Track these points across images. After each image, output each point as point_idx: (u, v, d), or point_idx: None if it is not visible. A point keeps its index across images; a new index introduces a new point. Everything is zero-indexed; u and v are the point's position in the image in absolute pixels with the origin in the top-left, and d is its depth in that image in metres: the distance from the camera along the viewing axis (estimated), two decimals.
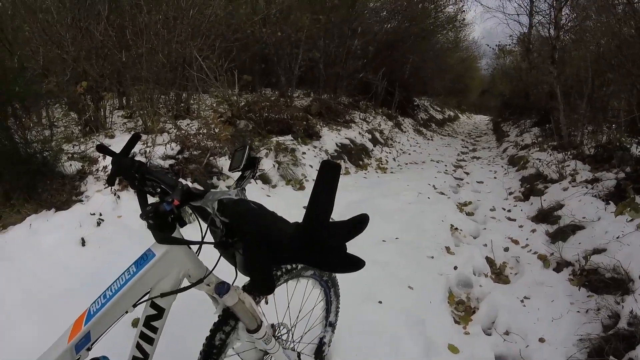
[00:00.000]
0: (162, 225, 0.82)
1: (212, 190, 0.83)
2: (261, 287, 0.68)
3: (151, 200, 0.92)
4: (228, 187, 2.83)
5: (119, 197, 2.70)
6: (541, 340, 1.94)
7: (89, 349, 0.83)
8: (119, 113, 4.61)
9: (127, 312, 0.85)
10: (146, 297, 0.87)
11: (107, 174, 2.92)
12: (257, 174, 0.92)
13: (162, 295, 0.87)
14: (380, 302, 2.11)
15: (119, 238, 2.38)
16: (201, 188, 0.87)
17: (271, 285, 0.67)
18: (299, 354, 1.28)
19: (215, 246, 0.82)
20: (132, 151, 1.06)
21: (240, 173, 0.93)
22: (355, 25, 7.68)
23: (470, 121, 18.62)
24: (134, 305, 0.85)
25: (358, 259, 0.58)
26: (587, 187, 3.63)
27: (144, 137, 3.57)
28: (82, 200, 2.66)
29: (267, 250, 0.63)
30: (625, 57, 4.58)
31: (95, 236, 2.39)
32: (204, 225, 0.83)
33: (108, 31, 3.96)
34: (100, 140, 3.49)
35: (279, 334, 1.17)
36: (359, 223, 0.57)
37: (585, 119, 5.59)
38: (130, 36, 4.15)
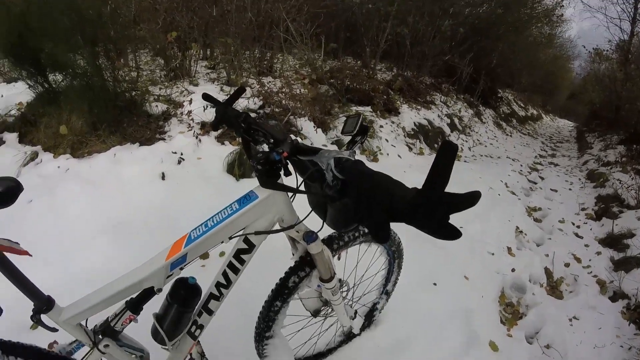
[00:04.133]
0: (269, 171, 0.90)
1: (324, 148, 0.90)
2: (379, 236, 0.74)
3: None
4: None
5: (200, 140, 2.89)
6: None
7: (181, 269, 0.95)
8: (202, 63, 4.83)
9: (222, 242, 0.96)
10: (241, 232, 0.97)
11: (190, 118, 3.14)
12: (365, 140, 0.98)
13: (257, 233, 0.97)
14: (435, 284, 2.14)
15: (197, 178, 2.57)
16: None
17: (387, 235, 0.74)
18: (355, 312, 1.37)
19: (319, 197, 0.89)
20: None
21: (351, 138, 0.99)
22: (447, 5, 7.31)
23: (553, 124, 17.24)
24: (230, 238, 0.96)
25: (458, 229, 0.64)
26: None
27: (226, 88, 3.76)
28: (165, 139, 2.87)
29: (386, 207, 0.70)
30: None
31: (175, 173, 2.59)
32: (300, 178, 0.91)
33: None
34: (184, 86, 3.72)
35: (342, 290, 1.26)
36: (472, 197, 0.62)
37: None
38: None
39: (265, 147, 0.91)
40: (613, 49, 10.19)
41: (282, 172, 0.92)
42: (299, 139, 3.55)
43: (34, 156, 2.69)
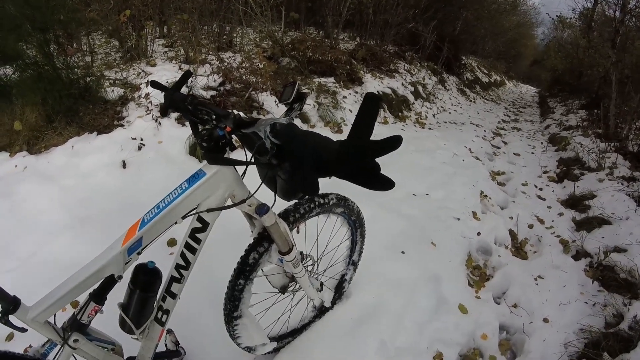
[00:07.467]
0: (214, 148, 0.90)
1: (262, 117, 0.89)
2: (310, 189, 0.81)
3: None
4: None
5: (160, 123, 2.79)
6: (545, 320, 1.99)
7: (139, 253, 0.94)
8: (160, 42, 4.61)
9: (176, 222, 0.94)
10: (194, 211, 0.95)
11: (149, 101, 3.01)
12: (303, 107, 1.00)
13: (209, 210, 0.95)
14: (403, 252, 2.17)
15: (159, 162, 2.50)
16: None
17: (317, 189, 0.81)
18: (321, 283, 1.37)
19: (267, 169, 0.91)
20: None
21: (289, 106, 0.98)
22: None
23: (516, 90, 17.60)
24: (183, 217, 0.94)
25: (390, 179, 0.68)
26: (622, 184, 3.53)
27: (185, 66, 3.61)
28: (124, 125, 2.77)
29: (316, 163, 0.74)
30: None
31: (136, 159, 2.52)
32: (249, 154, 0.91)
33: None
34: (141, 67, 3.55)
35: (305, 264, 1.25)
36: (393, 142, 0.67)
37: (636, 113, 5.27)
38: None
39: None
40: (576, 17, 10.40)
41: (227, 148, 0.92)
42: (262, 115, 3.54)
43: None
